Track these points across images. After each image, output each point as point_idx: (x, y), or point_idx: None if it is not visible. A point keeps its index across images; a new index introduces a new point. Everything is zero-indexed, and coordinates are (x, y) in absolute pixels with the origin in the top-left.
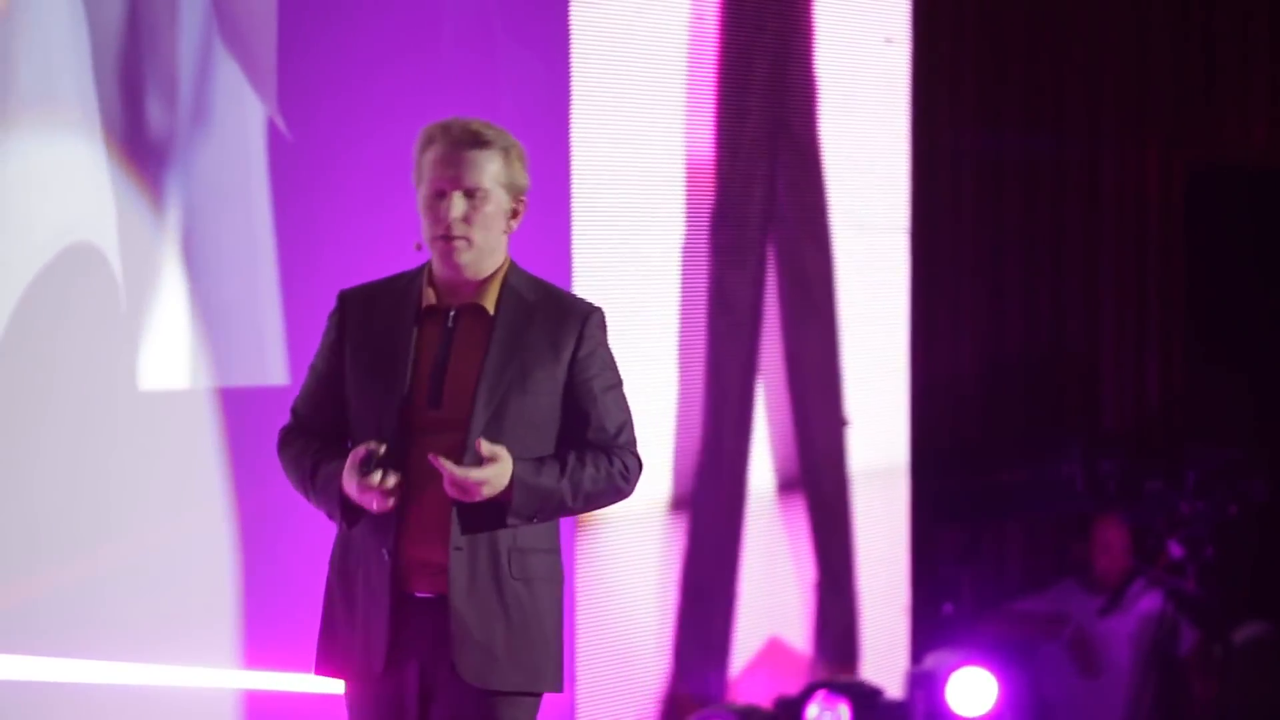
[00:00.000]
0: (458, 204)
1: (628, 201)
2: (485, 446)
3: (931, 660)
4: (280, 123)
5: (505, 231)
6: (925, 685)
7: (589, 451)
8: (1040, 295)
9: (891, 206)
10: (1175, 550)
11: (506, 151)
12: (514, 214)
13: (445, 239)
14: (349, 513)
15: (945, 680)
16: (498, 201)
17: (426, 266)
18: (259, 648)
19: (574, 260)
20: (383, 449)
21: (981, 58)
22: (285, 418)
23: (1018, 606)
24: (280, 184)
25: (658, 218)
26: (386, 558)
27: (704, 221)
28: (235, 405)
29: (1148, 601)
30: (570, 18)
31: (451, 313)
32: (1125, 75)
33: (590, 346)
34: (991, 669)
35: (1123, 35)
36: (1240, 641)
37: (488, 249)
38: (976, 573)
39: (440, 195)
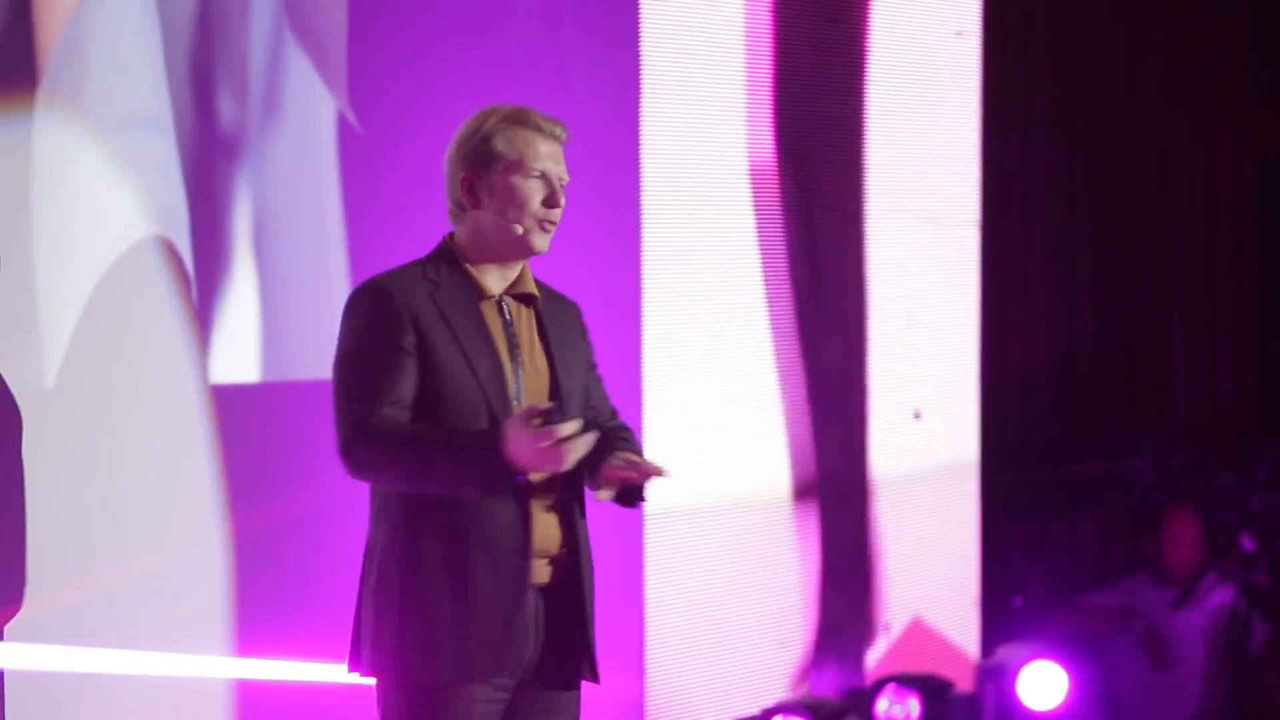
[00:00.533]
0: (561, 193)
1: (697, 191)
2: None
3: (1002, 654)
4: (351, 116)
5: None
6: (995, 679)
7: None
8: (1111, 288)
9: (961, 200)
10: (1247, 544)
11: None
12: None
13: (546, 221)
14: (508, 479)
15: (1016, 674)
16: None
17: (448, 252)
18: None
19: (643, 251)
20: (553, 406)
21: (1053, 48)
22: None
23: (1088, 600)
24: (351, 177)
25: (727, 207)
26: (525, 555)
27: (773, 211)
28: (305, 398)
29: (1220, 595)
30: (640, 6)
31: (504, 301)
32: (1197, 64)
33: (588, 338)
34: (1062, 662)
35: (1196, 23)
36: None
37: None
38: (1047, 566)
39: (545, 179)
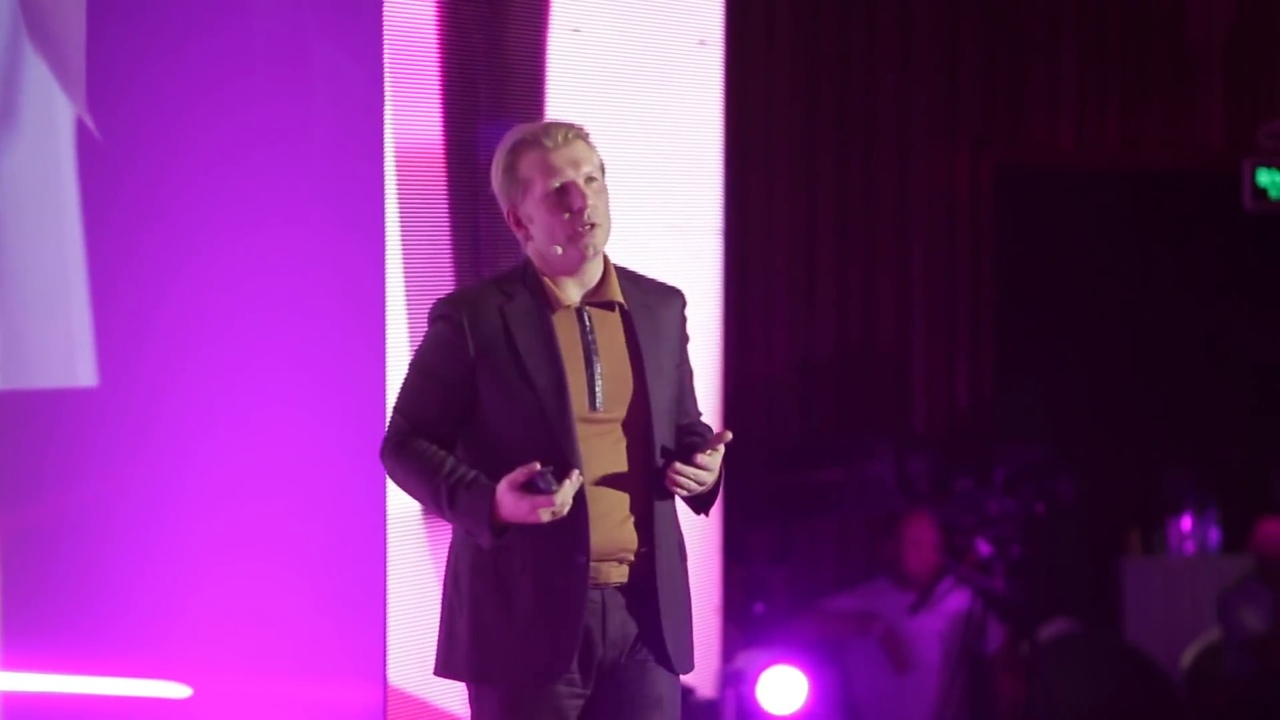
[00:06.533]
0: (587, 191)
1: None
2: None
3: (742, 659)
4: (89, 122)
5: None
6: (736, 684)
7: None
8: (852, 295)
9: (704, 208)
10: (983, 549)
11: (590, 139)
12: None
13: (583, 226)
14: (497, 533)
15: (756, 679)
16: (605, 186)
17: (528, 268)
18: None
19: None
20: (550, 469)
21: (794, 58)
22: (93, 416)
23: (828, 605)
24: (89, 184)
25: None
26: (582, 560)
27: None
28: (42, 406)
29: (956, 600)
30: (384, 21)
31: (584, 310)
32: (936, 74)
33: (685, 331)
34: (802, 667)
35: (934, 34)
36: (1046, 640)
37: (609, 233)
38: (788, 572)
39: (564, 190)
